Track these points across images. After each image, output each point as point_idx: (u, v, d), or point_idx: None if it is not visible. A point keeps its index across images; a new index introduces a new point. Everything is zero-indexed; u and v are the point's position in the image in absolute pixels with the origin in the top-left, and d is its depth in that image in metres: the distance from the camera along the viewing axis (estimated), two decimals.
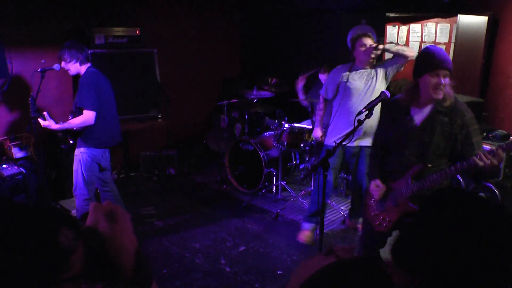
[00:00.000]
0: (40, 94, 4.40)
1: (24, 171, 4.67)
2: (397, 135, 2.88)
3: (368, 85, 4.13)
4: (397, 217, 2.87)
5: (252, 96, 5.95)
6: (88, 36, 5.39)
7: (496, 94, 4.88)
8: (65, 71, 5.47)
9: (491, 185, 3.76)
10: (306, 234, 4.54)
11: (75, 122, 4.05)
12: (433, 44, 7.97)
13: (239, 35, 7.69)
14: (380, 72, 4.13)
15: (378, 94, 3.17)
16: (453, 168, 2.59)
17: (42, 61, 5.19)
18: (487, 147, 3.47)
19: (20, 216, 0.90)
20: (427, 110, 2.77)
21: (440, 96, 2.69)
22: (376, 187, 2.97)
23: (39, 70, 4.41)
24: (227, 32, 7.46)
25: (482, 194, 3.81)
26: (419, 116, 2.79)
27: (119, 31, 5.63)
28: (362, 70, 4.17)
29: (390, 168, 2.97)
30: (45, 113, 4.09)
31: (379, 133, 3.11)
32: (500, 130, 4.04)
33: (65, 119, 5.58)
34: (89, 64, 4.15)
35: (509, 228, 0.86)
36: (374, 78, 4.12)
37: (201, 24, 7.00)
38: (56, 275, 0.89)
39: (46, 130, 4.22)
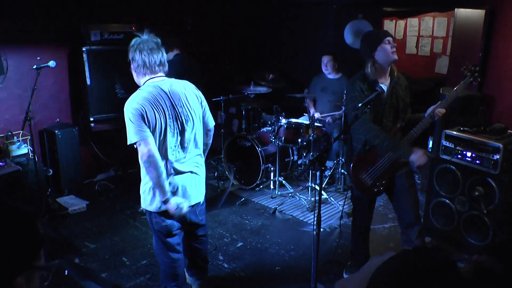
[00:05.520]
0: (36, 91, 4.38)
1: (21, 168, 4.64)
2: (374, 107, 3.17)
3: None
4: (390, 176, 3.32)
5: (249, 92, 5.94)
6: (84, 33, 5.35)
7: (494, 88, 4.86)
8: (61, 68, 5.47)
9: (490, 179, 3.74)
10: None
11: None
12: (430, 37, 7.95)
13: (236, 30, 7.66)
14: None
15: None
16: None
17: (38, 58, 5.17)
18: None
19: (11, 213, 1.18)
20: (388, 81, 3.25)
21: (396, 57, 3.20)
22: (424, 154, 3.13)
23: (34, 67, 4.39)
24: (223, 27, 7.43)
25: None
26: (384, 87, 3.18)
27: (115, 27, 5.59)
28: None
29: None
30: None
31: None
32: (497, 124, 4.02)
33: (61, 116, 5.61)
34: None
35: None
36: None
37: (197, 19, 6.97)
38: (32, 260, 1.15)
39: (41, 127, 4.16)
